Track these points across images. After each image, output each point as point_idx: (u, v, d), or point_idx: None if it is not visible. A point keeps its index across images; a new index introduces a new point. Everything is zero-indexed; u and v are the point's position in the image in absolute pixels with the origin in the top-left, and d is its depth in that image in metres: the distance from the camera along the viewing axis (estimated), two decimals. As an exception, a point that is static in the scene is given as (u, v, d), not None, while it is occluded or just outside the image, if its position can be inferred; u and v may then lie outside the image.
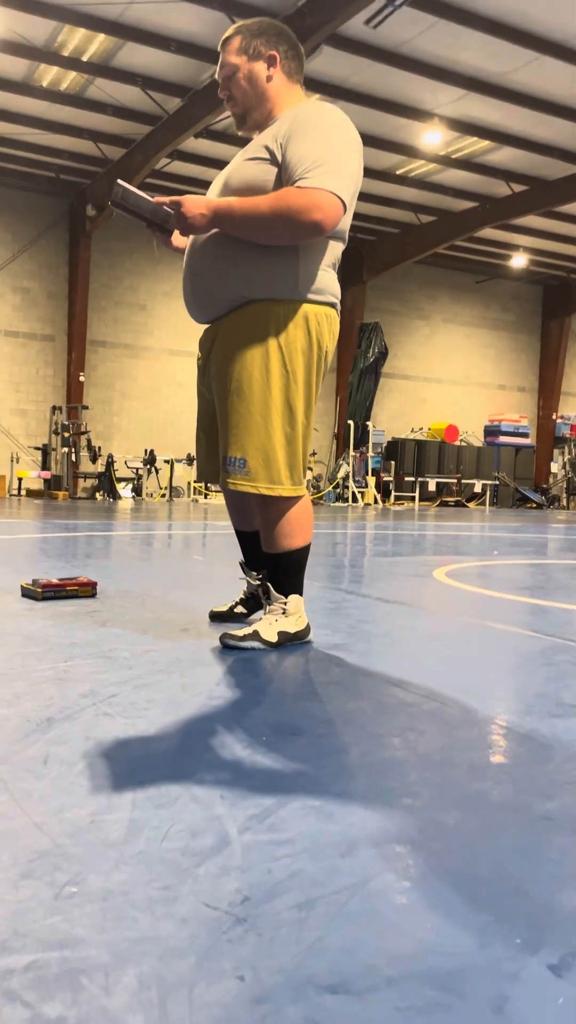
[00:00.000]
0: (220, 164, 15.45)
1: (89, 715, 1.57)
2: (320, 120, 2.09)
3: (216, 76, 2.30)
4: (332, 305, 2.23)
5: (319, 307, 2.19)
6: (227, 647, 2.21)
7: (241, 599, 2.62)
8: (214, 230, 2.13)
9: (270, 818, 1.14)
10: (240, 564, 2.59)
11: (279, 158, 2.08)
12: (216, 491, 15.60)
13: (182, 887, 0.94)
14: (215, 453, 2.37)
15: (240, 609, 2.61)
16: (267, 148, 2.11)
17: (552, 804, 1.22)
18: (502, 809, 1.20)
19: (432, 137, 14.30)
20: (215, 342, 2.25)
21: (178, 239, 2.37)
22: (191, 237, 2.27)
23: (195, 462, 2.51)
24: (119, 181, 2.14)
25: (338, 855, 1.03)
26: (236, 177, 2.17)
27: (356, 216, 17.96)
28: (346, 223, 2.18)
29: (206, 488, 16.92)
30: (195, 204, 2.07)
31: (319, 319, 2.19)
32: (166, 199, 2.09)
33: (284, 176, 2.07)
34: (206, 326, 2.34)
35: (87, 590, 3.01)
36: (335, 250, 2.22)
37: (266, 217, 2.03)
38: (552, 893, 0.96)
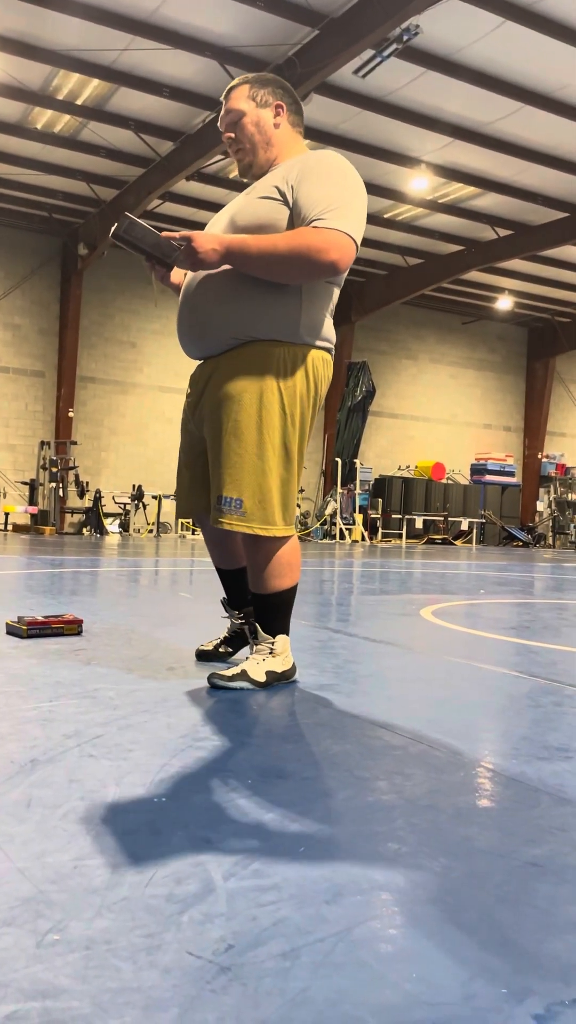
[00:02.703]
0: (210, 206, 15.71)
1: (73, 757, 1.56)
2: (331, 165, 2.11)
3: (219, 124, 2.30)
4: (329, 351, 2.24)
5: (319, 351, 2.19)
6: (215, 687, 2.20)
7: (225, 638, 2.61)
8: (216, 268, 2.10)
9: (255, 863, 1.13)
10: (222, 602, 2.59)
11: (290, 199, 2.08)
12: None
13: (166, 935, 0.93)
14: (198, 490, 2.35)
15: (224, 648, 2.60)
16: (277, 188, 2.10)
17: (538, 850, 1.22)
18: (488, 855, 1.19)
19: (419, 183, 14.62)
20: (210, 380, 2.20)
21: (177, 275, 2.33)
22: (188, 274, 2.26)
23: (176, 498, 2.46)
24: (126, 214, 2.06)
25: (323, 902, 1.03)
26: (245, 214, 2.14)
27: (344, 258, 18.23)
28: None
29: (193, 524, 16.92)
30: (207, 239, 2.03)
31: (318, 363, 2.19)
32: (175, 233, 2.05)
33: (297, 217, 2.07)
34: (198, 363, 2.30)
35: (72, 628, 3.00)
36: (334, 296, 2.23)
37: (283, 255, 2.01)
38: (538, 942, 0.95)
